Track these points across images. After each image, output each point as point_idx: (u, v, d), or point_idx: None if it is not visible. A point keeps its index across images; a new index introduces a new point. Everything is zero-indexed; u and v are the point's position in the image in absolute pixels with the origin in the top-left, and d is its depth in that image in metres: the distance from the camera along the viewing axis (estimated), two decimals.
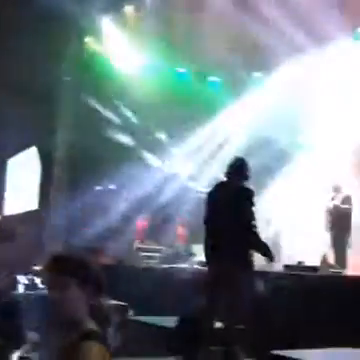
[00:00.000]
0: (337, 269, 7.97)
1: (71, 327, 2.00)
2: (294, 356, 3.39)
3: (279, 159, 11.85)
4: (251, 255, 4.40)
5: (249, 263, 4.38)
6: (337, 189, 9.07)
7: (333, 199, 8.97)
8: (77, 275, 2.03)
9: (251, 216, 4.47)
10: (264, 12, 9.73)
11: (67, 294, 2.00)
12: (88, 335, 1.95)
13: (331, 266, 7.67)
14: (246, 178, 4.71)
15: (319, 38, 10.52)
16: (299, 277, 6.35)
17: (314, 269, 6.89)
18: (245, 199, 4.50)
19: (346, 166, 11.56)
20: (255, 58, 11.55)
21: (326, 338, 4.28)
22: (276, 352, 3.52)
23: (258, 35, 9.97)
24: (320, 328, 4.99)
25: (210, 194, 4.74)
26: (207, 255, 4.61)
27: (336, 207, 8.81)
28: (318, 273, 6.74)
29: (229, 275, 4.26)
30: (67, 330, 2.01)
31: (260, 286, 4.65)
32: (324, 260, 7.32)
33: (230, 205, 4.45)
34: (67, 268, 2.03)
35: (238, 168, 4.71)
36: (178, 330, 2.88)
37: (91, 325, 2.01)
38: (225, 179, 4.74)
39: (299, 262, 7.14)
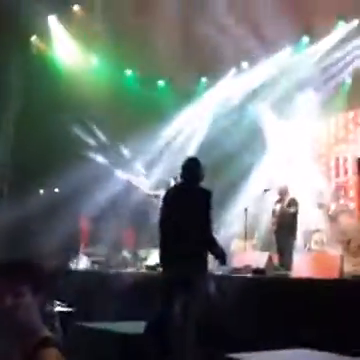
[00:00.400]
0: (282, 271, 8.18)
1: (25, 335, 1.92)
2: (248, 359, 3.40)
3: (227, 163, 12.05)
4: (206, 258, 4.38)
5: (205, 267, 4.36)
6: (283, 192, 9.20)
7: (279, 202, 9.12)
8: (29, 282, 1.97)
9: (209, 219, 4.44)
10: (213, 17, 9.82)
11: (20, 301, 1.93)
12: (45, 342, 1.89)
13: (276, 268, 7.84)
14: (201, 179, 4.69)
15: (268, 44, 10.81)
16: (247, 279, 6.45)
17: (261, 271, 7.02)
18: (203, 201, 4.46)
19: (295, 169, 12.01)
20: (203, 63, 11.65)
21: (276, 339, 4.35)
22: (231, 355, 3.53)
23: (207, 40, 10.04)
24: (270, 329, 5.08)
25: (166, 197, 4.67)
26: (162, 257, 4.54)
27: (282, 209, 8.97)
28: (265, 275, 6.87)
29: (185, 279, 4.23)
30: (21, 338, 1.93)
31: (213, 289, 4.66)
32: (269, 262, 7.45)
33: (188, 207, 4.41)
34: (19, 275, 1.96)
35: (192, 169, 4.65)
36: (147, 335, 2.83)
37: (46, 332, 1.95)
38: (180, 181, 4.69)
39: (246, 265, 7.22)
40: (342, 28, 10.77)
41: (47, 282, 2.09)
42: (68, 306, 6.20)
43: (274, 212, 8.93)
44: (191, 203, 4.44)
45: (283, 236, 8.75)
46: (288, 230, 8.70)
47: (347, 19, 10.56)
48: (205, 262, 4.35)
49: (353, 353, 3.56)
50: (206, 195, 4.50)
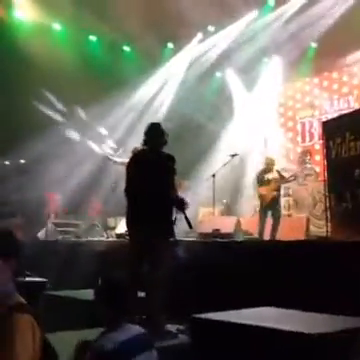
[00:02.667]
0: (250, 235, 8.33)
1: None
2: (215, 318, 3.47)
3: (194, 129, 12.06)
4: (173, 223, 4.40)
5: (171, 231, 4.38)
6: (270, 162, 8.89)
7: (266, 172, 8.83)
8: (2, 249, 1.98)
9: (173, 181, 4.45)
10: None
11: None
12: (18, 308, 1.93)
13: (245, 232, 7.97)
14: (164, 143, 4.66)
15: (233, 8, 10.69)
16: (215, 244, 6.54)
17: (229, 235, 7.12)
18: (167, 165, 4.45)
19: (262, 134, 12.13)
20: (169, 28, 11.46)
21: (245, 300, 4.44)
22: (198, 315, 3.59)
23: (172, 4, 9.85)
24: (238, 291, 5.19)
25: (130, 162, 4.64)
26: (129, 223, 4.54)
27: (280, 180, 8.84)
28: (233, 239, 6.98)
29: (153, 243, 4.25)
30: None
31: (181, 253, 4.70)
32: (238, 226, 7.55)
33: (153, 172, 4.39)
34: None
35: (155, 134, 4.60)
36: (103, 290, 2.83)
37: (20, 298, 1.97)
38: (144, 147, 4.65)
39: (214, 229, 7.30)
40: None
41: (17, 249, 2.09)
42: (39, 275, 6.18)
43: (265, 181, 8.74)
44: (154, 168, 4.43)
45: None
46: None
47: None
48: (171, 225, 4.37)
49: (318, 310, 3.68)
50: (169, 160, 4.50)
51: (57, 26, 11.91)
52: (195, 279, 5.59)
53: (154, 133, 4.62)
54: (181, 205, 4.40)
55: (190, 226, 4.48)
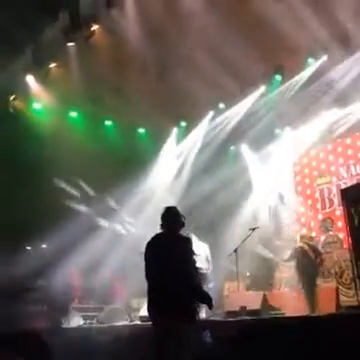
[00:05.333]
0: (277, 310, 8.06)
1: None
2: None
3: (211, 205, 12.09)
4: (195, 307, 4.32)
5: (194, 315, 4.29)
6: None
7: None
8: (27, 352, 1.96)
9: (192, 266, 4.42)
10: (187, 62, 10.03)
11: None
12: None
13: (272, 308, 7.73)
14: (182, 225, 4.71)
15: (242, 85, 11.06)
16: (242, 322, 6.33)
17: (256, 312, 6.91)
18: (185, 249, 4.46)
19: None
20: (180, 109, 11.84)
21: None
22: None
23: (183, 85, 10.22)
24: None
25: (148, 247, 4.65)
26: (151, 311, 4.47)
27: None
28: (261, 316, 6.76)
29: (175, 329, 4.15)
30: None
31: (207, 337, 4.55)
32: (264, 302, 7.35)
33: (170, 257, 4.39)
34: (17, 347, 1.96)
35: (171, 217, 4.69)
36: None
37: None
38: (161, 231, 4.69)
39: (241, 307, 7.11)
40: (312, 65, 11.10)
41: (43, 349, 2.06)
42: None
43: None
44: (171, 252, 4.45)
45: None
46: None
47: (316, 56, 10.88)
48: (192, 310, 4.29)
49: None
50: (185, 242, 4.53)
51: (73, 113, 12.41)
52: None
53: (170, 217, 4.69)
54: (209, 302, 4.40)
55: (210, 307, 4.43)
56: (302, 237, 9.56)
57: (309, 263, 8.90)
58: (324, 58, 10.80)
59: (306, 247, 9.06)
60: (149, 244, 4.69)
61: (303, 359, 4.92)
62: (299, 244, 9.21)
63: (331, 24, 9.21)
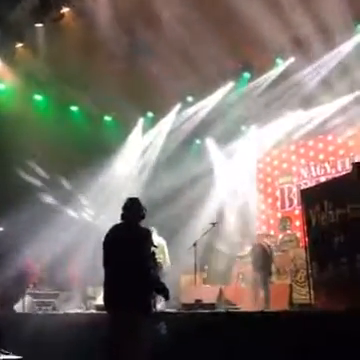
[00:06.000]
0: (233, 305, 8.18)
1: None
2: None
3: (174, 198, 12.11)
4: (151, 299, 4.35)
5: (149, 307, 4.31)
6: None
7: None
8: None
9: (149, 257, 4.44)
10: (158, 53, 9.98)
11: None
12: None
13: (228, 302, 7.83)
14: (142, 217, 4.71)
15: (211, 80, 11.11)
16: (197, 315, 6.39)
17: (212, 306, 6.99)
18: (143, 240, 4.47)
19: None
20: (148, 99, 11.78)
21: None
22: None
23: (152, 76, 10.17)
24: None
25: (108, 236, 4.64)
26: (106, 301, 4.46)
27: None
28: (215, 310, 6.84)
29: (130, 321, 4.17)
30: None
31: (162, 329, 4.57)
32: (220, 296, 7.44)
33: (128, 247, 4.40)
34: None
35: (133, 208, 4.68)
36: None
37: None
38: (122, 221, 4.67)
39: (197, 300, 7.17)
40: (280, 65, 11.25)
41: None
42: (14, 352, 5.93)
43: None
44: (130, 243, 4.45)
45: None
46: None
47: (285, 56, 11.02)
48: (148, 302, 4.32)
49: None
50: (145, 233, 4.54)
51: (38, 96, 12.16)
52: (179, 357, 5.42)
53: (131, 208, 4.69)
54: (165, 294, 4.47)
55: (167, 298, 4.48)
56: (260, 235, 9.92)
57: (265, 260, 9.14)
58: (291, 59, 10.97)
59: (263, 245, 9.31)
60: (108, 234, 4.68)
61: (256, 353, 5.02)
62: (257, 241, 9.46)
63: (300, 25, 9.37)
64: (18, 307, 9.78)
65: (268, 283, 9.01)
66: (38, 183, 11.86)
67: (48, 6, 9.96)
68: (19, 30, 10.46)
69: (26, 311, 9.55)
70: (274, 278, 10.22)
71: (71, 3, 9.95)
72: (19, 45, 10.79)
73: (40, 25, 10.24)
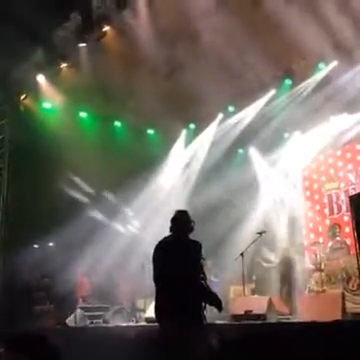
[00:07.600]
0: (283, 314, 8.04)
1: None
2: None
3: (220, 209, 12.09)
4: (203, 310, 4.34)
5: (201, 319, 4.30)
6: None
7: None
8: (34, 354, 1.98)
9: (200, 269, 4.44)
10: (198, 63, 10.04)
11: None
12: None
13: (278, 312, 7.70)
14: (191, 230, 4.73)
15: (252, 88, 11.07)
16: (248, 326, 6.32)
17: (261, 316, 6.89)
18: (194, 253, 4.48)
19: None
20: (190, 111, 11.84)
21: None
22: None
23: (193, 87, 10.23)
24: None
25: (157, 250, 4.66)
26: (158, 313, 4.48)
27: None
28: (266, 320, 6.75)
29: (182, 333, 4.16)
30: None
31: (213, 340, 4.56)
32: (270, 306, 7.32)
33: (179, 260, 4.41)
34: (24, 347, 1.98)
35: (182, 221, 4.70)
36: None
37: None
38: (171, 234, 4.70)
39: (247, 311, 7.10)
40: (323, 70, 11.08)
41: (49, 350, 2.08)
42: None
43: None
44: (180, 256, 4.46)
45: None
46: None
47: (327, 61, 10.85)
48: (199, 314, 4.30)
49: None
50: (195, 246, 4.54)
51: (83, 114, 12.47)
52: None
53: (180, 221, 4.71)
54: (218, 305, 4.45)
55: (220, 309, 4.44)
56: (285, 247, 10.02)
57: (286, 273, 9.14)
58: (334, 63, 10.79)
59: (285, 257, 9.24)
60: (158, 247, 4.70)
61: None
62: (282, 252, 9.38)
63: (342, 29, 9.20)
64: (70, 320, 9.97)
65: (292, 295, 8.88)
66: (84, 199, 12.12)
67: (90, 26, 10.25)
68: (63, 50, 10.81)
69: (77, 324, 9.72)
70: (325, 287, 10.00)
71: (112, 21, 10.19)
72: (63, 65, 11.13)
73: (83, 44, 10.53)
